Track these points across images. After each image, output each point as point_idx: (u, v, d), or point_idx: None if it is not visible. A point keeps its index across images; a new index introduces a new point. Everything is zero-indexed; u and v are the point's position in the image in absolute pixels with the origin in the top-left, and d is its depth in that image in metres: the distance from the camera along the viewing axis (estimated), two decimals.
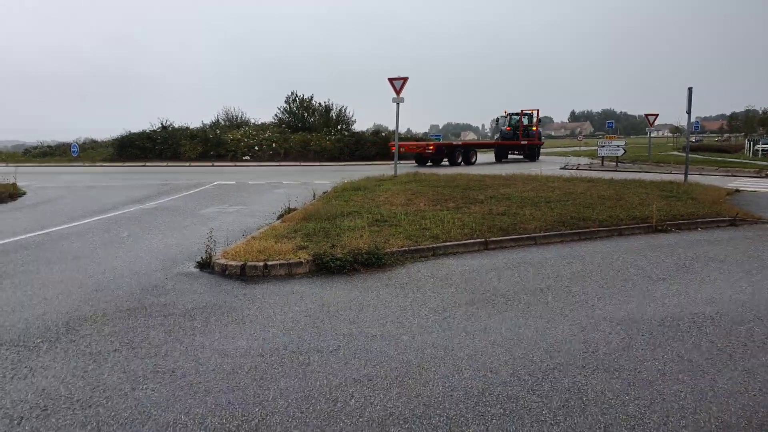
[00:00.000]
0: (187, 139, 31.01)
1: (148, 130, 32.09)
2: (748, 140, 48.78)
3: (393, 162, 18.30)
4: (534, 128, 31.55)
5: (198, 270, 6.42)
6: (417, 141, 31.43)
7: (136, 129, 32.38)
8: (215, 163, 28.02)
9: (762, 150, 41.70)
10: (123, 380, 3.60)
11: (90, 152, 34.09)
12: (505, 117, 31.81)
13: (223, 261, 6.34)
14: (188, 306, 5.12)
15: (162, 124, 33.37)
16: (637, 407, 3.27)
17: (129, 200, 12.87)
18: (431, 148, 25.94)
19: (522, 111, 31.23)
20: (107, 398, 3.36)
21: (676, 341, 4.30)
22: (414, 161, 26.90)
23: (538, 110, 32.49)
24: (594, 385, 3.54)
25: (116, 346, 4.17)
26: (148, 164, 26.72)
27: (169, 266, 6.59)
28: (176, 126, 33.53)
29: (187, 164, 27.48)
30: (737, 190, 15.02)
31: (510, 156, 30.99)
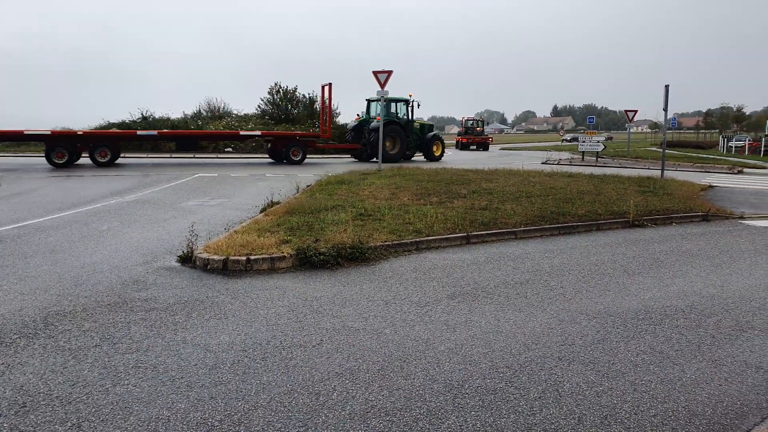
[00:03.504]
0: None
1: (127, 121, 31.52)
2: (723, 137, 49.98)
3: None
4: (479, 129, 45.75)
5: (179, 264, 6.40)
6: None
7: (114, 119, 31.80)
8: (196, 155, 27.67)
9: (735, 146, 42.83)
10: (104, 376, 3.60)
11: None
12: (461, 122, 49.54)
13: (205, 255, 6.32)
14: (170, 301, 5.11)
15: (142, 114, 32.81)
16: (610, 398, 3.39)
17: (108, 192, 12.68)
18: (491, 139, 45.52)
19: (470, 118, 47.85)
20: (87, 394, 3.36)
21: (649, 333, 4.45)
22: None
23: (482, 118, 54.34)
24: (570, 377, 3.65)
25: (96, 341, 4.15)
26: (127, 155, 26.25)
27: (150, 260, 6.55)
28: (156, 117, 33.00)
29: (168, 155, 27.08)
30: (711, 186, 15.41)
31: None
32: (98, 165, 19.83)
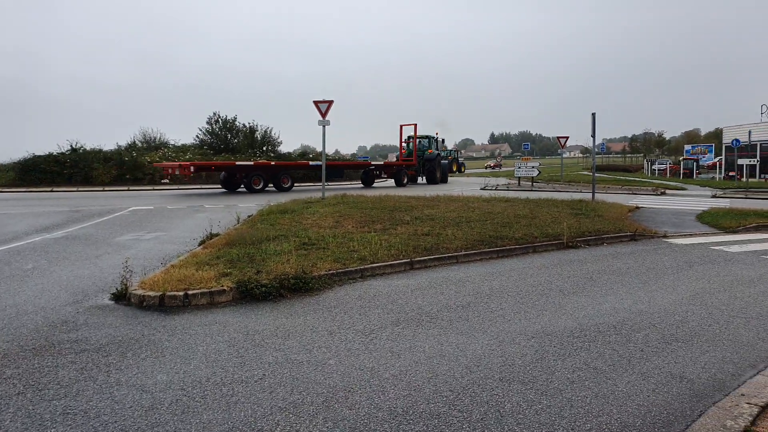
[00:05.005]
0: (100, 162, 29.20)
1: (55, 153, 29.93)
2: (647, 160, 53.97)
3: (321, 184, 18.36)
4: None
5: (113, 302, 6.09)
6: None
7: (41, 152, 30.10)
8: (131, 188, 26.57)
9: (658, 169, 46.40)
10: (27, 426, 3.35)
11: None
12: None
13: (140, 292, 6.06)
14: (102, 341, 4.84)
15: (72, 146, 31.27)
16: (548, 415, 3.51)
17: (33, 229, 11.91)
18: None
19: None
20: None
21: (584, 350, 4.66)
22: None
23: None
24: (510, 397, 3.75)
25: (19, 389, 3.86)
26: (56, 189, 24.84)
27: (80, 299, 6.19)
28: (88, 148, 31.54)
29: (101, 189, 25.85)
30: (637, 207, 16.47)
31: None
32: (282, 190, 23.39)
